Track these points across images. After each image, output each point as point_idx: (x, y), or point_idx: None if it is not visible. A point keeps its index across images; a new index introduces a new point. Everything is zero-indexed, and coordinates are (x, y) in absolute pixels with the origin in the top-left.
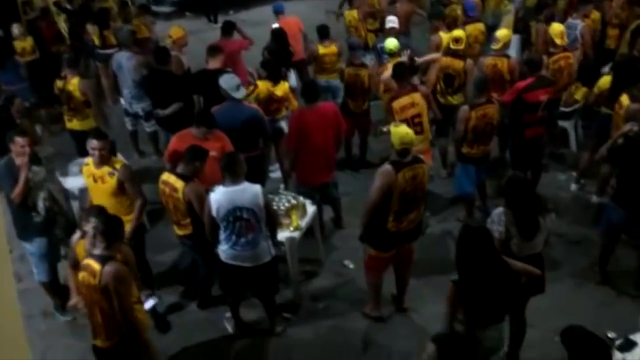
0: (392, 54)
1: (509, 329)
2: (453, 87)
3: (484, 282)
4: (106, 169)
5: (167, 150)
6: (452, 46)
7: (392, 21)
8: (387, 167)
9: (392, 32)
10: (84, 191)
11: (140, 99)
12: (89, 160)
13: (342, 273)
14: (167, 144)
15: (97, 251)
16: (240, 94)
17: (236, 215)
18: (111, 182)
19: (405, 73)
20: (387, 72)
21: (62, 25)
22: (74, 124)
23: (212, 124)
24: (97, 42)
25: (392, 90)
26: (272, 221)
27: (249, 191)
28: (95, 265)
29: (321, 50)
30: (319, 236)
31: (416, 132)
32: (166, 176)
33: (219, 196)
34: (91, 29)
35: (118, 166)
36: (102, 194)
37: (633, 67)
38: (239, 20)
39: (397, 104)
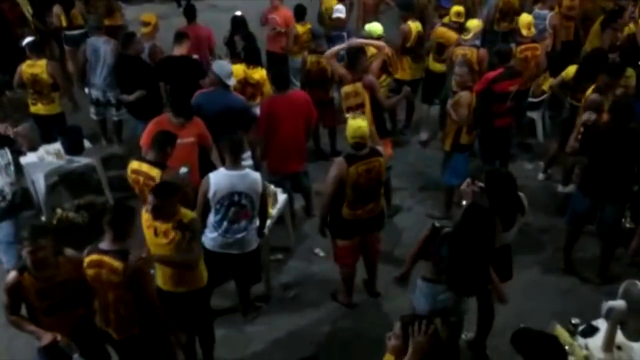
0: (379, 38)
1: (477, 316)
2: (442, 55)
3: (467, 254)
4: (171, 223)
5: (143, 136)
6: (453, 18)
7: (339, 10)
8: (340, 159)
9: (340, 23)
10: (48, 178)
11: (115, 87)
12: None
13: (312, 261)
14: (134, 132)
15: (108, 246)
16: (232, 81)
17: (233, 200)
18: (176, 236)
19: (356, 61)
20: (335, 48)
21: (27, 7)
22: (38, 108)
23: (191, 114)
24: (64, 23)
25: (343, 77)
26: (265, 210)
27: (249, 177)
28: (115, 262)
29: (299, 28)
30: (290, 225)
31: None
32: (137, 165)
33: (219, 178)
34: (57, 10)
35: (185, 220)
36: (162, 249)
37: (601, 60)
38: (209, 6)
39: (344, 89)
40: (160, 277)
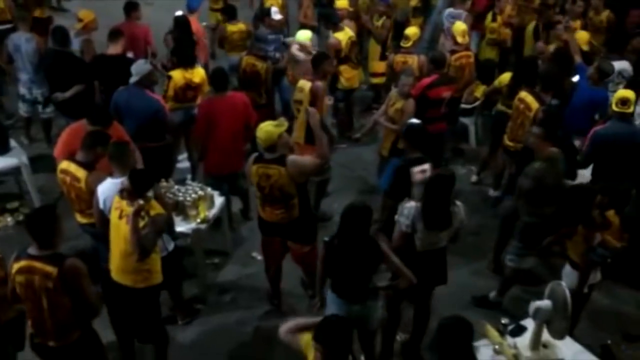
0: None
1: (412, 318)
2: None
3: (350, 258)
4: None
5: (58, 145)
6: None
7: (276, 12)
8: (252, 156)
9: (278, 24)
10: None
11: (41, 84)
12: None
13: (250, 264)
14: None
15: (38, 251)
16: (133, 79)
17: None
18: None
19: (318, 63)
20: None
21: None
22: None
23: (109, 121)
24: None
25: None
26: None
27: None
28: (48, 267)
29: (230, 28)
30: (227, 228)
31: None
32: (66, 165)
33: (105, 188)
34: None
35: (152, 212)
36: (122, 235)
37: (534, 67)
38: (146, 4)
39: (299, 83)
40: (115, 270)
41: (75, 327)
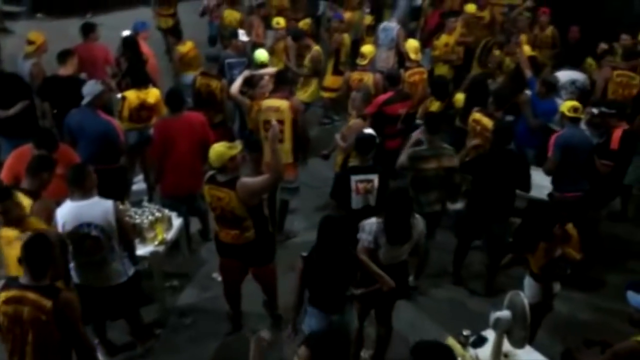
0: (263, 65)
1: (375, 332)
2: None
3: (326, 269)
4: (17, 232)
5: (3, 170)
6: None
7: (243, 34)
8: (207, 174)
9: (243, 46)
10: None
11: None
12: None
13: (210, 287)
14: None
15: (31, 281)
16: (85, 100)
17: (83, 232)
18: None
19: (284, 79)
20: (238, 81)
21: None
22: None
23: (54, 145)
24: None
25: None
26: (127, 239)
27: (99, 206)
28: (43, 299)
29: (181, 49)
30: (186, 249)
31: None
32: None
33: (65, 211)
34: None
35: (31, 228)
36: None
37: (484, 87)
38: (100, 25)
39: (265, 102)
40: None
41: None
